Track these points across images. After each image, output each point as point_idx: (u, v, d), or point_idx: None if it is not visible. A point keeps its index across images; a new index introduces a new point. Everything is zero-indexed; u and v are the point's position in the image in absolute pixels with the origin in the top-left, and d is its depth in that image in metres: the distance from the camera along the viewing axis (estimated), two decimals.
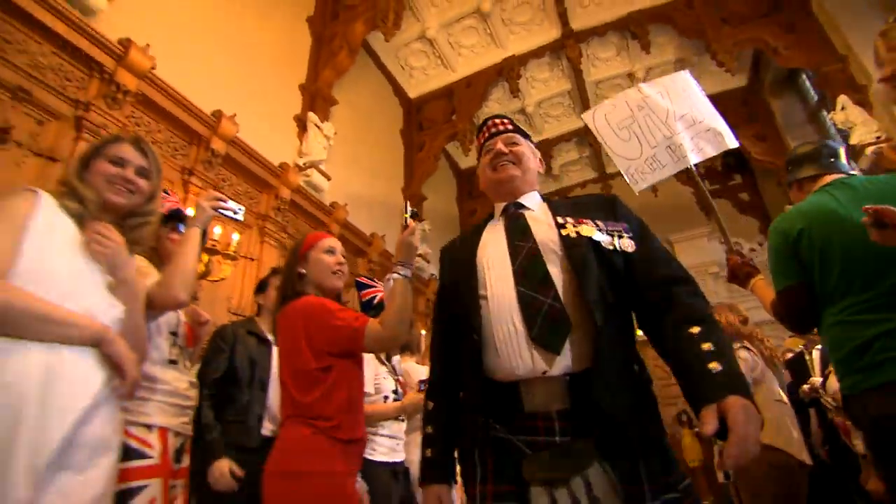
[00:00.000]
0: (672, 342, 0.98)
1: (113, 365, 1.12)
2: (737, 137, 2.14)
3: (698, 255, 7.69)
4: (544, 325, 1.00)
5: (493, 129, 1.38)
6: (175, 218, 1.78)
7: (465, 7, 6.24)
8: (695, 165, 2.08)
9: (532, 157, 1.35)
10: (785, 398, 2.57)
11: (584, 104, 7.50)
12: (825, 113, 5.76)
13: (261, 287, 2.46)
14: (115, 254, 1.19)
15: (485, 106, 7.18)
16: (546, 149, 8.17)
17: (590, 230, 1.10)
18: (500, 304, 1.07)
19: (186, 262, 1.44)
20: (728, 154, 6.89)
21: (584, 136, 7.93)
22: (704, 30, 5.69)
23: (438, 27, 6.43)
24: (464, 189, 8.80)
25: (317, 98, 4.98)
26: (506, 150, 1.31)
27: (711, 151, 2.11)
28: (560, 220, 1.15)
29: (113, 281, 1.20)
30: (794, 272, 1.57)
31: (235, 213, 1.65)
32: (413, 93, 7.31)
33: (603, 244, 1.08)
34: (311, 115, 4.75)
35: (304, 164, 4.54)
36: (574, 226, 1.12)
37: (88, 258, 1.16)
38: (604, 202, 1.22)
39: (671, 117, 2.07)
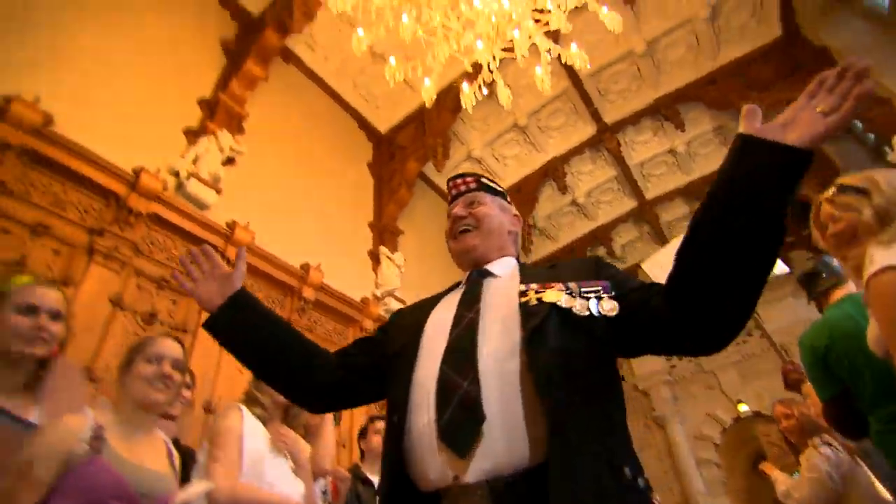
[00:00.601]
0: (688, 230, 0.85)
1: None
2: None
3: (786, 315, 7.18)
4: (454, 416, 0.81)
5: (455, 192, 1.25)
6: None
7: (503, 125, 6.91)
8: None
9: (499, 216, 1.19)
10: (888, 495, 2.30)
11: (632, 185, 7.74)
12: (887, 149, 5.62)
13: (362, 434, 2.86)
14: (293, 447, 1.63)
15: (536, 207, 7.62)
16: (605, 233, 8.34)
17: (555, 295, 0.91)
18: (422, 385, 0.89)
19: (328, 439, 1.89)
20: (794, 205, 6.72)
21: (641, 214, 8.07)
22: (732, 100, 5.90)
23: (483, 146, 7.10)
24: None
25: (385, 232, 5.60)
26: (464, 213, 1.18)
27: None
28: (523, 287, 0.97)
29: (294, 466, 1.61)
30: (831, 384, 1.68)
31: None
32: None
33: (574, 310, 0.89)
34: (382, 249, 5.33)
35: (381, 293, 5.03)
36: (537, 292, 0.93)
37: (276, 451, 1.58)
38: (583, 263, 1.05)
39: None
